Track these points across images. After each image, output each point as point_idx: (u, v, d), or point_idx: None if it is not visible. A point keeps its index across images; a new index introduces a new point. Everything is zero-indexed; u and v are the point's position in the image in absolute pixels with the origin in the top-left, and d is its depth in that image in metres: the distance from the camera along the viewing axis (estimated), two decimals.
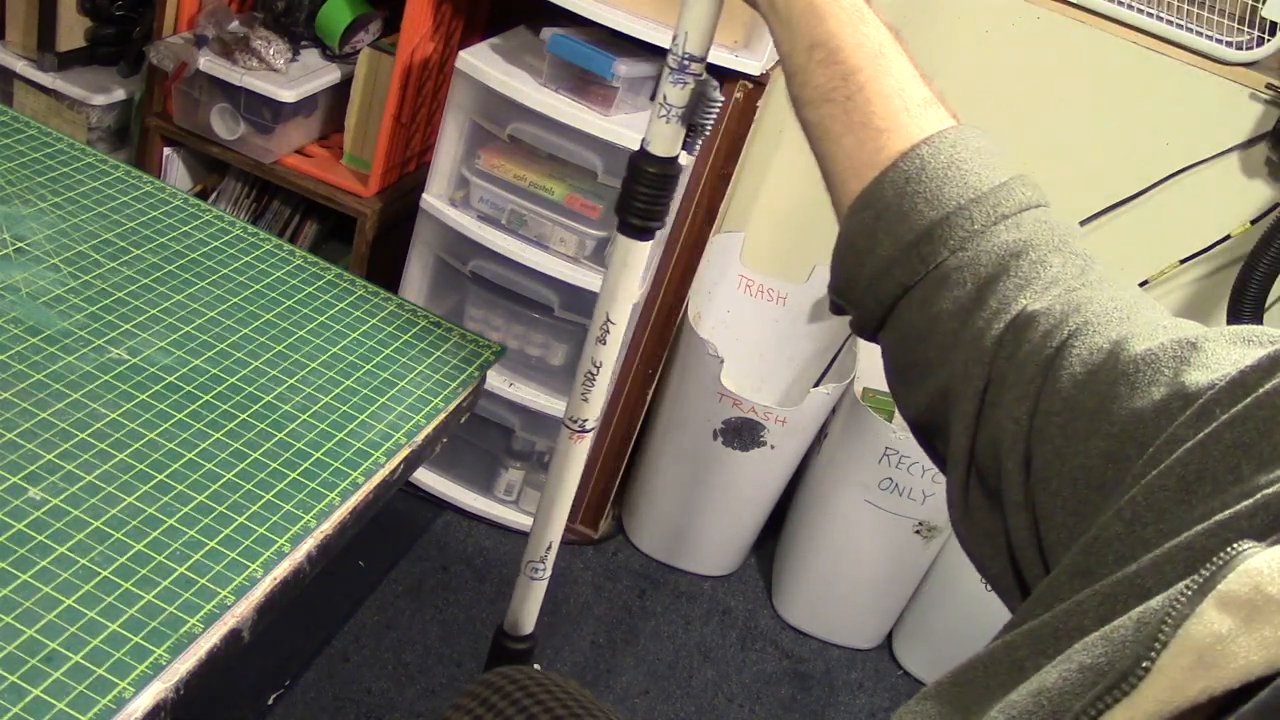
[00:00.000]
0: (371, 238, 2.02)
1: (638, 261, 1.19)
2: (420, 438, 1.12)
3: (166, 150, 2.09)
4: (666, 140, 1.10)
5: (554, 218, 1.90)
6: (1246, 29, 1.92)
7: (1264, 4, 1.88)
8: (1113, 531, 0.57)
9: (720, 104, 1.10)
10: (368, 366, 1.17)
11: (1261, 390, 0.55)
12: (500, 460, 2.17)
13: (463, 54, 1.84)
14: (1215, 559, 0.47)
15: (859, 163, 0.77)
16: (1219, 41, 1.94)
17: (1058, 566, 0.60)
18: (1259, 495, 0.51)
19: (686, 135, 1.10)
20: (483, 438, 2.14)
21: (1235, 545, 0.46)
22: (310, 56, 2.06)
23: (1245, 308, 1.90)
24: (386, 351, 1.21)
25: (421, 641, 1.97)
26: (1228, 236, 2.01)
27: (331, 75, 2.04)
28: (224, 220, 1.32)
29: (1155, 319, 0.67)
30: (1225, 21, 1.93)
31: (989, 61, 2.03)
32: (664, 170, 1.11)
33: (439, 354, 1.23)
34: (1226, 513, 0.51)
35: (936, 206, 0.73)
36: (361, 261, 2.04)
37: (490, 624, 1.98)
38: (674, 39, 1.04)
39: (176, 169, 2.14)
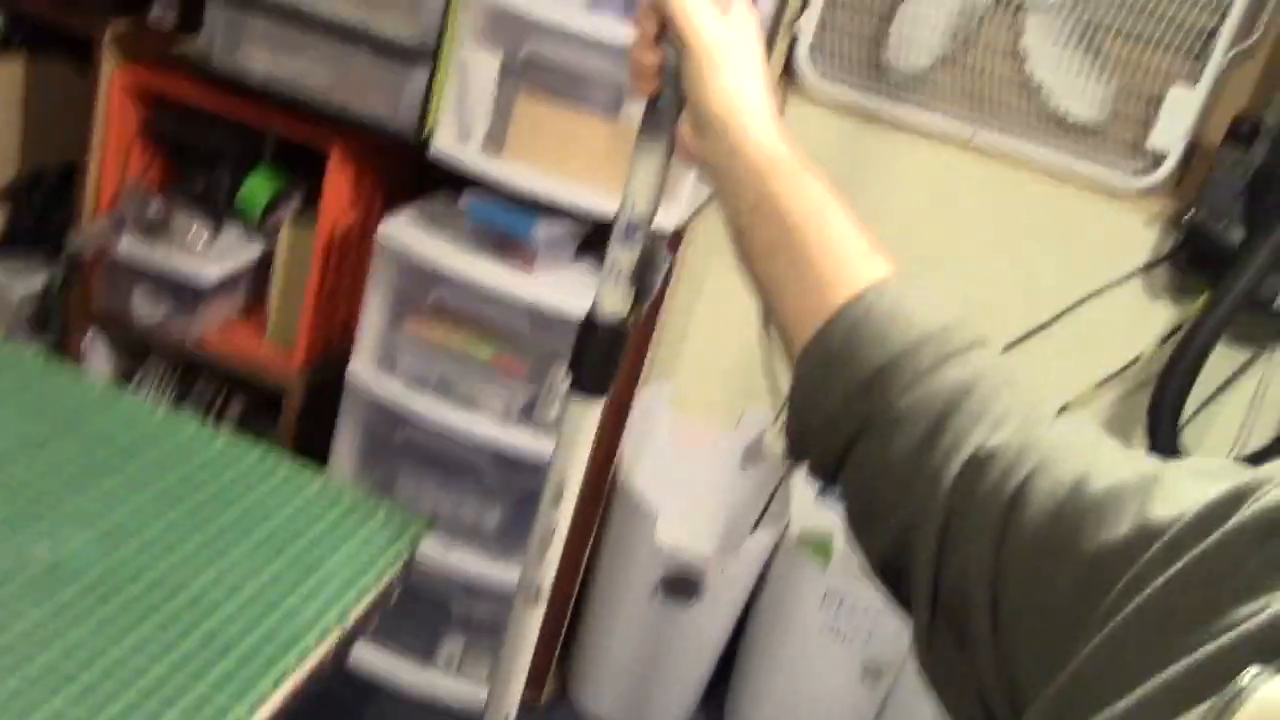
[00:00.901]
0: (299, 412, 2.01)
1: (590, 422, 1.20)
2: (352, 617, 1.10)
3: (89, 334, 2.08)
4: (617, 302, 1.11)
5: (482, 380, 1.90)
6: (1137, 159, 2.01)
7: (1150, 135, 1.97)
8: (1086, 674, 0.57)
9: (667, 264, 1.12)
10: (294, 548, 1.16)
11: (1229, 524, 0.56)
12: (441, 630, 2.13)
13: (384, 224, 1.86)
14: (1223, 693, 0.46)
15: (807, 313, 0.79)
16: (1114, 172, 2.02)
17: (1032, 708, 0.60)
18: (1240, 628, 0.51)
19: (634, 296, 1.12)
20: (421, 608, 2.10)
21: (1240, 678, 0.45)
22: (231, 234, 2.07)
23: (1162, 426, 1.94)
24: (313, 530, 1.19)
25: None
26: (1138, 358, 2.07)
27: (253, 252, 2.05)
28: (144, 405, 1.31)
29: (1113, 453, 0.69)
30: (1116, 153, 2.02)
31: (910, 207, 2.10)
32: (614, 331, 1.13)
33: (368, 529, 1.21)
34: (1208, 647, 0.51)
35: (884, 350, 0.75)
36: (289, 436, 2.02)
37: None
38: (622, 203, 1.07)
39: (99, 353, 2.12)
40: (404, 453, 1.99)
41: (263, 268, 2.07)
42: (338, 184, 1.91)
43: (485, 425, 1.90)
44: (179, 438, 1.27)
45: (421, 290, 1.88)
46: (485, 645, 2.15)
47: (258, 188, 2.05)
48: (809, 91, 2.09)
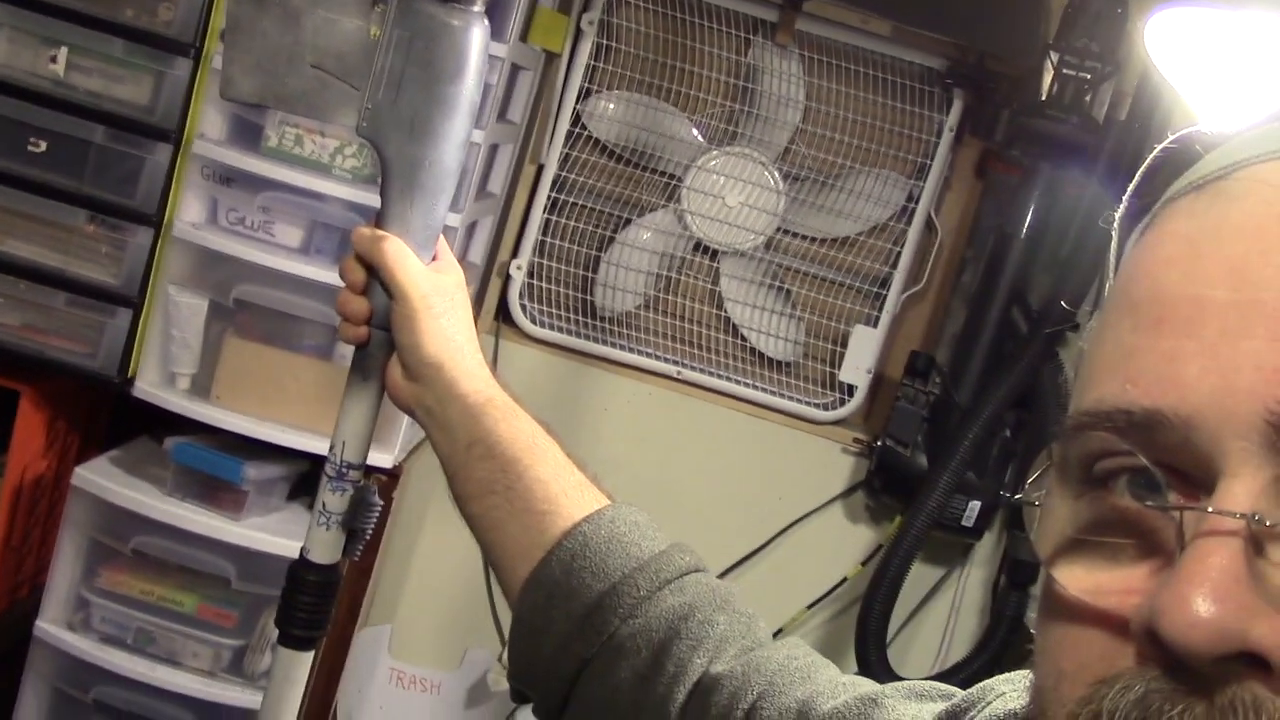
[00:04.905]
0: None
1: (300, 675, 1.15)
2: None
3: None
4: (327, 547, 1.08)
5: (186, 631, 1.80)
6: (830, 392, 2.16)
7: (839, 370, 2.12)
8: None
9: (379, 508, 1.11)
10: None
11: None
12: None
13: (79, 469, 1.78)
14: None
15: (525, 546, 0.80)
16: (809, 404, 2.16)
17: None
18: None
19: (346, 541, 1.10)
20: None
21: None
22: None
23: (870, 644, 2.02)
24: None
25: None
26: (844, 580, 2.17)
27: None
28: None
29: (833, 676, 0.72)
30: (810, 387, 2.16)
31: (622, 441, 2.16)
32: (325, 578, 1.10)
33: None
34: None
35: (603, 578, 0.76)
36: None
37: None
38: (331, 448, 1.05)
39: None
40: (97, 713, 1.84)
41: None
42: (29, 428, 1.81)
43: (189, 680, 1.79)
44: None
45: (120, 538, 1.78)
46: None
47: None
48: (522, 332, 2.16)
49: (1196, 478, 0.36)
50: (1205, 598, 0.33)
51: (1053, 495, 0.42)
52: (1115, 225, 0.45)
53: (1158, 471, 0.37)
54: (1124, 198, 0.45)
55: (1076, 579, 0.39)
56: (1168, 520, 0.37)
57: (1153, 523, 0.38)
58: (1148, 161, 0.48)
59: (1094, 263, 1.87)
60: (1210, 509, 0.35)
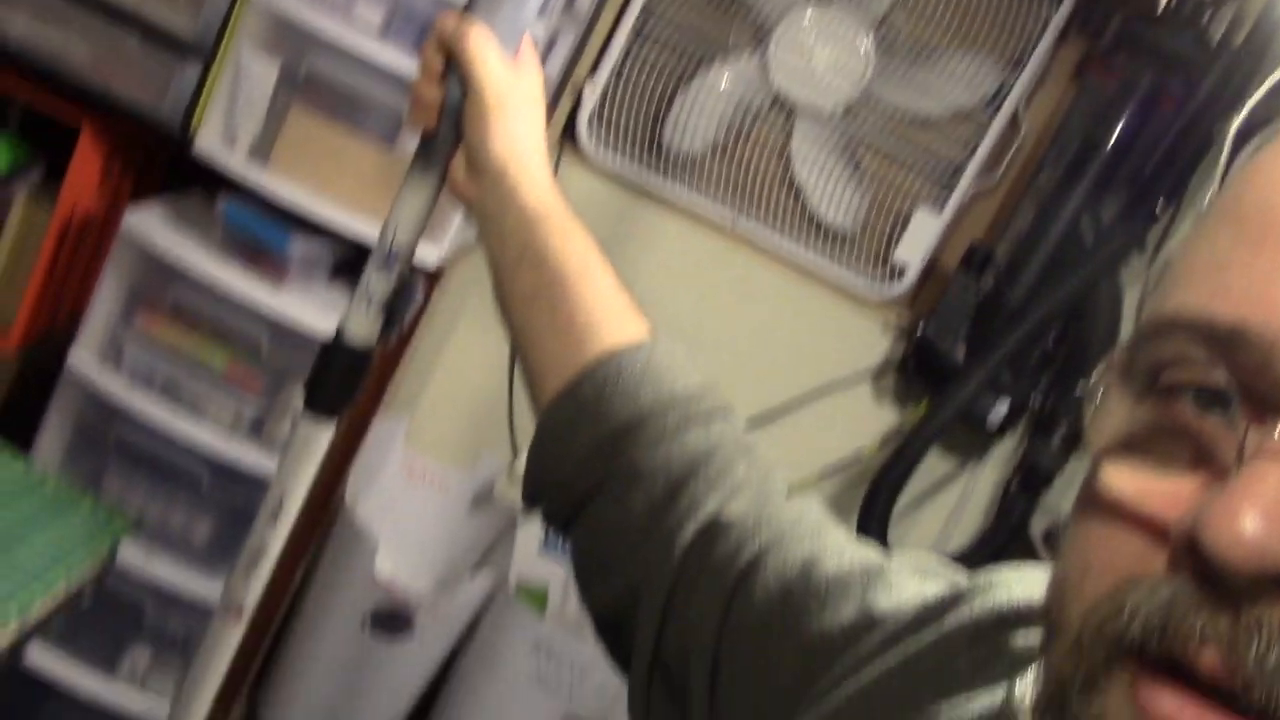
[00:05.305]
0: (6, 393, 1.88)
1: (319, 445, 1.17)
2: (34, 613, 1.04)
3: None
4: (364, 329, 1.10)
5: (212, 388, 1.84)
6: (880, 269, 2.14)
7: (894, 249, 2.10)
8: None
9: (419, 300, 1.11)
10: None
11: (944, 624, 0.59)
12: (128, 638, 2.02)
13: (130, 213, 1.79)
14: None
15: (561, 362, 0.80)
16: (858, 278, 2.14)
17: None
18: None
19: (383, 326, 1.11)
20: (110, 613, 2.00)
21: None
22: None
23: (873, 522, 2.05)
24: (5, 516, 1.12)
25: None
26: (858, 455, 2.18)
27: None
28: None
29: (841, 539, 0.72)
30: (863, 261, 2.14)
31: (665, 280, 2.16)
32: (358, 356, 1.11)
33: (66, 523, 1.15)
34: None
35: (633, 406, 0.76)
36: None
37: None
38: (383, 231, 1.06)
39: None
40: (116, 451, 1.89)
41: None
42: (86, 164, 1.82)
43: (209, 435, 1.83)
44: None
45: (161, 287, 1.81)
46: (174, 660, 2.05)
47: None
48: (585, 156, 2.14)
49: (1269, 400, 0.36)
50: (1254, 515, 0.33)
51: (1112, 394, 0.41)
52: (1230, 134, 0.43)
53: (1230, 387, 0.36)
54: (1248, 106, 0.43)
55: (1123, 480, 0.39)
56: (1229, 435, 0.36)
57: (1212, 436, 0.37)
58: (1275, 77, 0.46)
59: (1177, 184, 1.82)
60: (1278, 434, 0.35)
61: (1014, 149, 2.09)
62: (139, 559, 1.90)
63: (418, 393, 2.28)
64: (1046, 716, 0.39)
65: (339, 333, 1.10)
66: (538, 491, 0.81)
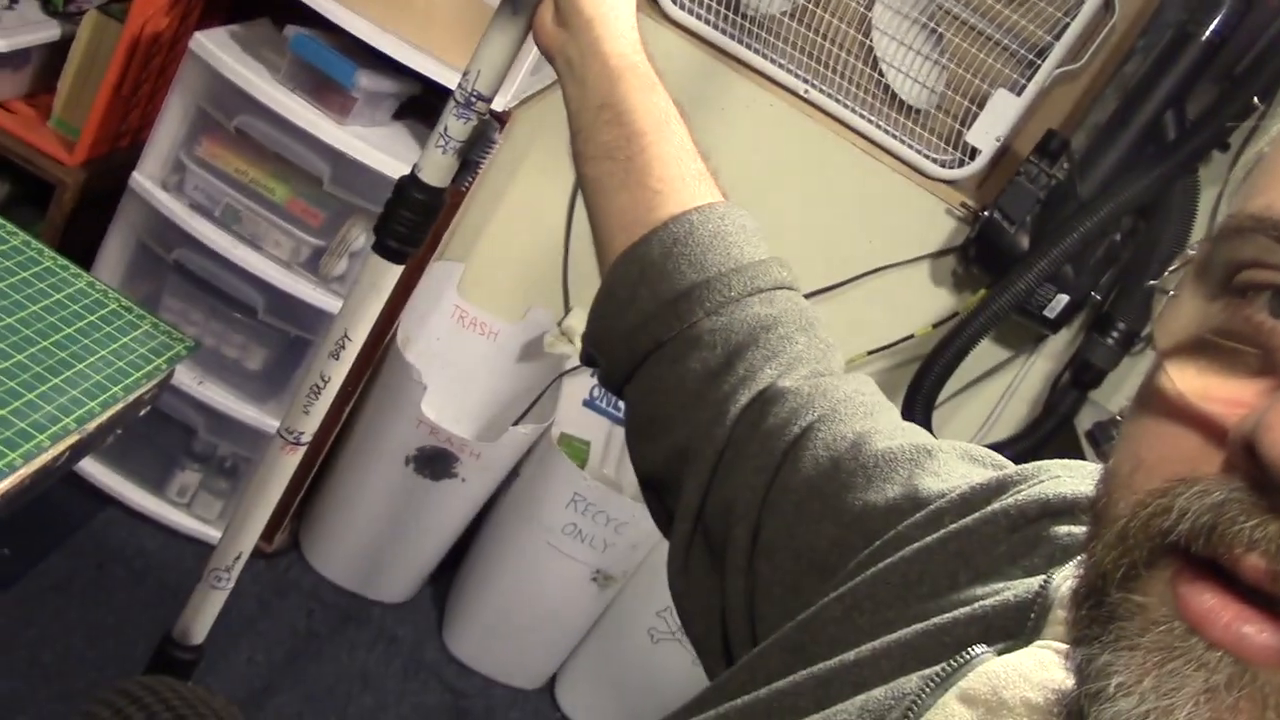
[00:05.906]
0: (70, 209, 1.90)
1: (387, 284, 1.18)
2: (92, 426, 1.06)
3: None
4: (440, 170, 1.09)
5: (272, 218, 1.84)
6: (952, 150, 2.09)
7: (968, 130, 2.05)
8: (829, 615, 0.60)
9: (496, 144, 1.10)
10: (45, 343, 1.10)
11: (988, 509, 0.59)
12: (178, 460, 2.07)
13: (198, 35, 1.77)
14: (954, 659, 0.50)
15: (630, 220, 0.80)
16: (927, 157, 2.09)
17: (768, 639, 0.62)
18: (975, 605, 0.54)
19: (458, 170, 1.10)
20: (161, 434, 2.04)
21: (971, 649, 0.50)
22: (30, 8, 1.92)
23: (918, 404, 2.04)
24: (68, 330, 1.14)
25: (63, 641, 1.85)
26: (911, 336, 2.17)
27: (50, 32, 1.91)
28: None
29: (895, 420, 0.72)
30: (935, 140, 2.09)
31: (733, 145, 2.12)
32: (431, 199, 1.11)
33: (126, 340, 1.16)
34: (944, 617, 0.54)
35: (699, 270, 0.76)
36: (55, 233, 1.91)
37: (143, 630, 1.87)
38: (465, 74, 1.04)
39: None
40: (175, 273, 1.91)
41: (58, 51, 1.93)
42: None
43: (266, 265, 1.84)
44: None
45: (226, 113, 1.80)
46: (219, 485, 2.10)
47: None
48: (661, 9, 2.08)
49: None
50: None
51: (1184, 291, 0.40)
52: None
53: None
54: None
55: (1186, 377, 0.38)
56: None
57: None
58: None
59: (1272, 83, 1.75)
60: None
61: (1103, 34, 2.01)
62: (191, 382, 1.93)
63: (474, 242, 2.27)
64: (1084, 606, 0.39)
65: (414, 173, 1.09)
66: (598, 347, 0.81)
